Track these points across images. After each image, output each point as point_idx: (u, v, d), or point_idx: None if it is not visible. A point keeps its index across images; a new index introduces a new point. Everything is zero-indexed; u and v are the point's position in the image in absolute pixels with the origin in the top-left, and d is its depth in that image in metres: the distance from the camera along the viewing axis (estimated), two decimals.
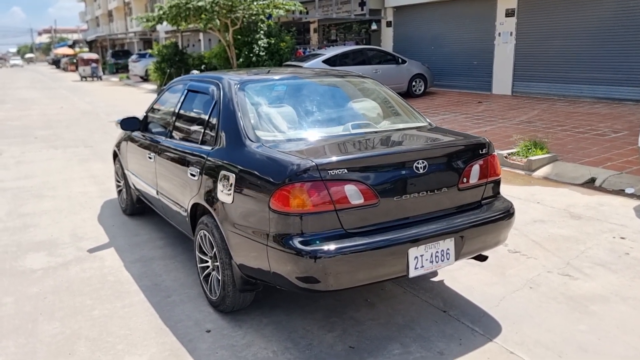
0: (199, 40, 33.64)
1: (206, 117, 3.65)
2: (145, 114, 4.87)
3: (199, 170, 3.46)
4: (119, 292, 3.79)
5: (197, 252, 3.60)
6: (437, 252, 2.96)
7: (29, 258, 4.44)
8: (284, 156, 2.87)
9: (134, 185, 5.08)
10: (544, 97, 13.47)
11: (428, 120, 3.88)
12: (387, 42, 18.22)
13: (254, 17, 14.79)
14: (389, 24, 18.08)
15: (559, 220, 5.08)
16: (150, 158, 4.38)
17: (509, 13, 14.20)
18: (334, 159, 2.79)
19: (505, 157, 7.19)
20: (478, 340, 3.07)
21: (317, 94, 3.85)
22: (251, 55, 15.01)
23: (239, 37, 15.37)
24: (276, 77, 3.96)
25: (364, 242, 2.74)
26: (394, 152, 3.07)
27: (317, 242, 2.69)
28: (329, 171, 2.71)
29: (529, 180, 6.63)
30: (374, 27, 17.97)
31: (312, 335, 3.17)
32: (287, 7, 14.93)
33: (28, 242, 4.81)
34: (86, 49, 57.04)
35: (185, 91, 4.16)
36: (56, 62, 65.37)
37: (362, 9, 17.84)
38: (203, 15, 13.65)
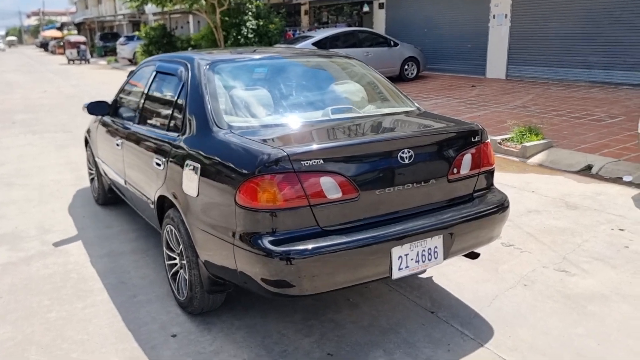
0: (188, 22, 33.00)
1: (173, 101, 3.34)
2: (115, 98, 4.54)
3: (164, 159, 3.15)
4: (81, 291, 3.50)
5: (164, 248, 3.31)
6: (423, 250, 2.68)
7: None
8: (253, 145, 2.57)
9: (105, 174, 4.77)
10: (538, 81, 13.17)
11: (417, 104, 3.58)
12: (379, 25, 17.81)
13: None
14: (381, 6, 17.65)
15: (554, 210, 4.82)
16: (117, 145, 4.06)
17: None
18: (309, 148, 2.49)
19: (499, 143, 6.92)
20: (468, 346, 2.82)
21: (297, 76, 3.54)
22: (239, 37, 14.59)
23: (227, 18, 14.92)
24: (253, 57, 3.64)
25: (342, 241, 2.46)
26: (376, 140, 2.76)
27: (290, 241, 2.41)
28: (302, 162, 2.41)
29: (523, 167, 6.36)
30: (366, 9, 17.54)
31: (288, 340, 2.90)
32: None
33: None
34: (75, 32, 56.01)
35: (154, 72, 3.84)
36: (44, 45, 64.18)
37: None
38: None
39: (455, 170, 2.86)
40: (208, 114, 2.91)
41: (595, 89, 11.57)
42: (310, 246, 2.39)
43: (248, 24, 14.65)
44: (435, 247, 2.72)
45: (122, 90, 4.51)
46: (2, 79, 22.39)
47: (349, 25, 17.96)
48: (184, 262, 3.00)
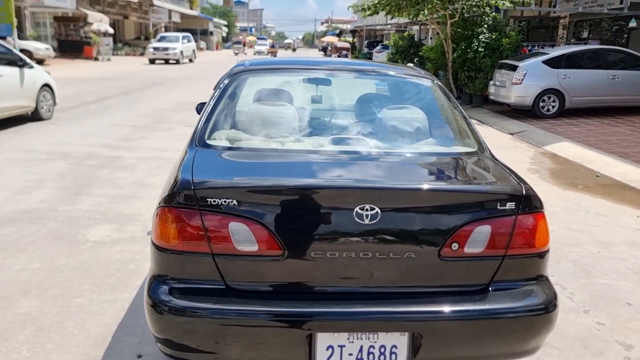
0: (427, 33, 32.67)
1: None
2: None
3: None
4: (120, 284, 3.60)
5: None
6: (371, 347, 1.94)
7: (97, 228, 4.59)
8: (182, 170, 2.18)
9: None
10: None
11: (485, 145, 2.66)
12: None
13: (474, 10, 13.38)
14: None
15: None
16: None
17: None
18: (218, 182, 2.01)
19: None
20: None
21: (332, 94, 2.99)
22: (468, 50, 13.68)
23: (459, 30, 14.15)
24: (286, 68, 3.21)
25: (242, 307, 1.93)
26: (319, 186, 2.08)
27: (183, 293, 1.98)
28: (208, 198, 1.95)
29: None
30: (632, 24, 14.64)
31: None
32: None
33: (114, 213, 5.00)
34: (349, 39, 61.07)
35: None
36: (324, 49, 71.94)
37: (621, 2, 14.69)
38: (415, 6, 12.89)
39: (454, 246, 2.00)
40: (197, 131, 2.60)
41: None
42: (197, 304, 1.93)
43: (481, 36, 13.65)
44: (394, 346, 1.95)
45: None
46: None
47: (602, 43, 15.30)
48: None
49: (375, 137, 2.66)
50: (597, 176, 7.22)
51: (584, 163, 7.92)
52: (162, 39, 32.53)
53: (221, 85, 2.87)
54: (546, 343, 3.05)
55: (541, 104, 11.54)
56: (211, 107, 2.71)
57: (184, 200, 1.98)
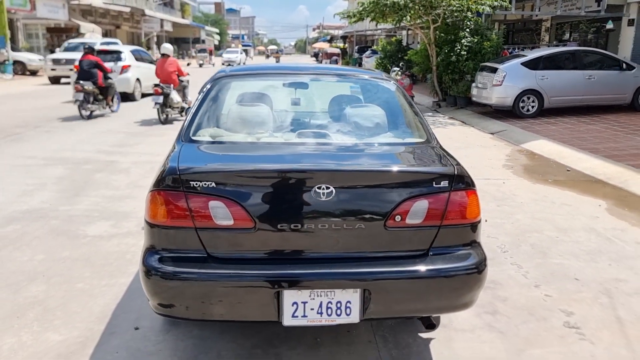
0: (414, 38, 33.21)
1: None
2: None
3: None
4: (118, 271, 3.97)
5: None
6: (329, 302, 2.34)
7: (95, 225, 4.97)
8: (170, 160, 2.58)
9: None
10: None
11: (433, 136, 3.07)
12: (626, 45, 15.23)
13: (456, 15, 13.85)
14: (630, 22, 15.06)
15: None
16: None
17: None
18: (199, 168, 2.41)
19: None
20: None
21: (308, 96, 3.40)
22: (451, 54, 14.14)
23: (442, 34, 14.62)
24: (263, 73, 3.62)
25: (220, 271, 2.32)
26: (283, 169, 2.49)
27: (171, 261, 2.37)
28: (191, 182, 2.35)
29: None
30: (609, 25, 15.16)
31: None
32: (492, 3, 13.59)
33: (111, 211, 5.38)
34: (340, 44, 61.73)
35: None
36: (316, 55, 72.73)
37: (598, 5, 15.22)
38: (397, 12, 13.35)
39: (397, 218, 2.40)
40: (183, 128, 3.01)
41: None
42: (183, 269, 2.32)
43: (463, 40, 14.12)
44: (348, 302, 2.34)
45: None
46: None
47: (580, 45, 15.81)
48: None
49: (338, 132, 3.07)
50: (568, 170, 7.65)
51: (557, 159, 8.35)
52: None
53: (204, 90, 3.28)
54: (496, 312, 3.48)
55: (521, 105, 11.99)
56: (195, 108, 3.12)
57: (171, 184, 2.38)
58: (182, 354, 2.92)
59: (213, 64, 41.66)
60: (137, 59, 15.92)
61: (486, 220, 5.22)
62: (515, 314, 3.44)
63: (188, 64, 35.05)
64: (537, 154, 8.86)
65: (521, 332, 3.22)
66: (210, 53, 46.00)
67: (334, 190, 2.34)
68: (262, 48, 77.52)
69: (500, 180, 6.97)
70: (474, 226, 2.54)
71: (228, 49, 54.01)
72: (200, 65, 39.33)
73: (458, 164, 2.60)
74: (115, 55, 15.18)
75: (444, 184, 2.44)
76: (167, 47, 11.86)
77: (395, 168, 2.52)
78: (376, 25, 18.22)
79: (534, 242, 4.71)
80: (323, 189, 2.33)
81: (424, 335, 3.13)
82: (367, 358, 2.90)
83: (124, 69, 14.92)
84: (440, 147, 2.94)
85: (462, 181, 2.49)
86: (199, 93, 3.32)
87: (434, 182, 2.44)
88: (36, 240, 4.54)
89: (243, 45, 67.72)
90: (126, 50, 15.91)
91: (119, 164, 7.47)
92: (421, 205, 2.42)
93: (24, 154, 8.00)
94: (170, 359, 2.87)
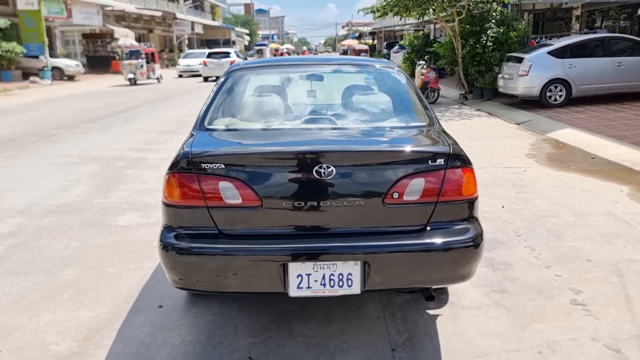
0: (441, 31, 32.88)
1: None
2: None
3: None
4: (145, 256, 4.23)
5: None
6: (332, 274, 2.50)
7: (125, 216, 5.26)
8: (185, 146, 2.78)
9: None
10: None
11: (435, 120, 3.19)
12: None
13: (481, 5, 13.77)
14: None
15: None
16: None
17: None
18: (210, 151, 2.61)
19: None
20: None
21: (311, 86, 3.57)
22: (477, 45, 14.06)
23: (468, 26, 14.54)
24: (279, 65, 3.79)
25: (230, 246, 2.51)
26: (286, 151, 2.67)
27: (185, 238, 2.58)
28: (202, 164, 2.55)
29: None
30: None
31: (233, 337, 3.04)
32: None
33: (140, 203, 5.66)
34: (369, 41, 61.70)
35: None
36: (345, 53, 73.03)
37: None
38: (421, 6, 13.37)
39: (395, 195, 2.54)
40: (200, 116, 3.22)
41: None
42: (195, 245, 2.52)
43: (489, 31, 14.01)
44: (350, 274, 2.50)
45: None
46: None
47: (611, 32, 15.46)
48: None
49: (345, 117, 3.23)
50: (593, 158, 7.58)
51: (583, 147, 8.27)
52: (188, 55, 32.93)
53: (219, 82, 3.49)
54: (505, 291, 3.57)
55: (548, 94, 11.86)
56: (210, 99, 3.33)
57: (185, 167, 2.59)
58: (201, 328, 3.13)
59: (158, 78, 25.33)
60: (237, 56, 27.80)
61: (503, 207, 5.29)
62: (524, 292, 3.52)
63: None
64: (562, 142, 8.79)
65: (527, 308, 3.31)
66: (153, 58, 25.16)
67: (334, 170, 2.50)
68: (275, 45, 75.41)
69: (522, 168, 6.98)
70: (471, 202, 2.66)
71: (187, 52, 35.22)
72: (131, 82, 23.56)
73: (455, 143, 2.72)
74: (226, 54, 27.46)
75: (440, 162, 2.57)
76: None
77: (392, 148, 2.67)
78: (400, 19, 18.25)
79: (549, 227, 4.75)
80: (324, 168, 2.50)
81: (431, 312, 3.26)
82: (374, 332, 3.05)
83: (232, 63, 16.85)
84: (442, 130, 3.06)
85: (457, 159, 2.61)
86: (215, 85, 3.52)
87: (429, 161, 2.57)
88: (71, 231, 4.84)
89: (256, 45, 61.43)
90: (232, 52, 28.95)
91: (148, 161, 7.79)
92: (418, 182, 2.55)
93: (61, 153, 8.43)
94: (190, 333, 3.09)
